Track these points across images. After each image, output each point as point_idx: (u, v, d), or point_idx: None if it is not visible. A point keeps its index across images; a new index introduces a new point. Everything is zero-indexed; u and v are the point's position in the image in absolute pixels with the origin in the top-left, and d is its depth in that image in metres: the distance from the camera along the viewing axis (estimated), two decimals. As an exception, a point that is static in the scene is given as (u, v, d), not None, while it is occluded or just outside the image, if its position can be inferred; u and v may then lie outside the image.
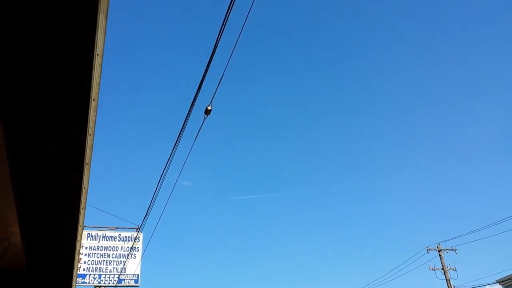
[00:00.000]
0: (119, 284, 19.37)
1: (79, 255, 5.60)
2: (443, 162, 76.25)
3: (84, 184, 3.42)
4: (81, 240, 5.31)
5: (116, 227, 20.36)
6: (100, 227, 20.22)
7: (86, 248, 19.49)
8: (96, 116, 2.93)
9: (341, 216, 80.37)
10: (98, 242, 19.88)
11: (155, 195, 10.89)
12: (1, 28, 2.96)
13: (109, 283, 19.38)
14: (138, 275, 19.76)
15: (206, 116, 7.29)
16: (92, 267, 19.27)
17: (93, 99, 2.64)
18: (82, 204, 3.66)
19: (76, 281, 6.25)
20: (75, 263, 5.76)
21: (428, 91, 76.42)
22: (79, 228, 4.24)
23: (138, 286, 19.59)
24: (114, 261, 19.58)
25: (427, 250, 33.01)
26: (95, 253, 19.53)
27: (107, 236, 20.06)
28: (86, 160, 3.14)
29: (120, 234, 20.27)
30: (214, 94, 6.96)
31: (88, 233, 19.77)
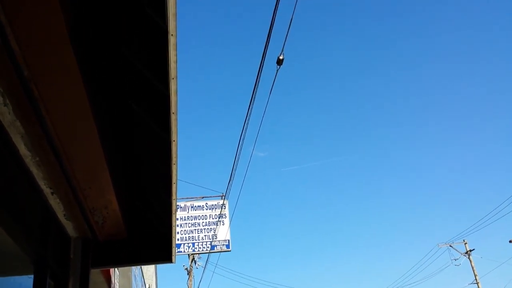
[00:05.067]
0: (212, 251, 20.04)
1: (175, 226, 5.61)
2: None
3: (174, 137, 3.25)
4: (175, 213, 5.27)
5: (202, 196, 20.93)
6: (187, 198, 20.91)
7: (178, 219, 20.27)
8: (176, 62, 2.69)
9: (411, 179, 77.57)
10: (188, 212, 20.59)
11: (236, 161, 10.83)
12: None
13: (202, 250, 20.11)
14: (228, 240, 20.29)
15: (278, 66, 6.96)
16: (185, 237, 20.04)
17: (172, 35, 2.41)
18: (174, 160, 3.52)
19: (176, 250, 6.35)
20: (173, 233, 5.78)
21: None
22: (173, 202, 4.15)
23: (230, 251, 20.14)
24: (204, 229, 20.22)
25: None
26: (186, 223, 20.28)
27: (195, 206, 20.70)
28: (172, 109, 2.95)
29: (206, 203, 20.83)
30: (285, 41, 6.58)
31: (178, 205, 20.51)
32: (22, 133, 3.62)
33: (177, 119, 3.14)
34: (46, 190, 4.49)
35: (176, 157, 3.51)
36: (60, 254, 5.51)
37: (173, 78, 2.68)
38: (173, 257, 6.09)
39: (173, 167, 3.64)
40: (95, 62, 3.52)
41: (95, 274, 8.14)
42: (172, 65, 2.58)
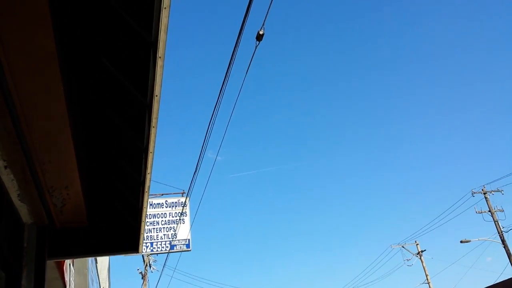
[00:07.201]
0: (171, 250, 19.33)
1: (146, 208, 5.08)
2: (487, 105, 73.62)
3: (157, 90, 2.78)
4: (148, 192, 4.77)
5: (161, 193, 20.19)
6: (146, 196, 20.08)
7: (135, 217, 19.45)
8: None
9: (384, 165, 79.34)
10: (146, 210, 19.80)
11: (200, 158, 10.30)
12: None
13: (161, 250, 19.36)
14: (189, 239, 19.65)
15: (258, 42, 6.58)
16: (143, 236, 19.26)
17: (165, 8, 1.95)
18: (153, 122, 3.04)
19: (144, 241, 5.81)
20: (143, 217, 5.26)
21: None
22: (147, 176, 3.68)
23: (190, 250, 19.51)
24: (164, 227, 19.48)
25: (472, 194, 31.96)
26: (144, 222, 19.48)
27: (154, 203, 19.90)
28: (159, 53, 2.49)
29: (166, 201, 20.08)
30: (267, 14, 6.21)
31: (135, 203, 19.68)
32: (-29, 87, 3.06)
33: (163, 66, 2.69)
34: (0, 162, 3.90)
35: (157, 118, 3.04)
36: (13, 242, 4.88)
37: (164, 9, 2.24)
38: (140, 246, 5.56)
39: (152, 131, 3.17)
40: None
41: (49, 269, 7.45)
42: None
